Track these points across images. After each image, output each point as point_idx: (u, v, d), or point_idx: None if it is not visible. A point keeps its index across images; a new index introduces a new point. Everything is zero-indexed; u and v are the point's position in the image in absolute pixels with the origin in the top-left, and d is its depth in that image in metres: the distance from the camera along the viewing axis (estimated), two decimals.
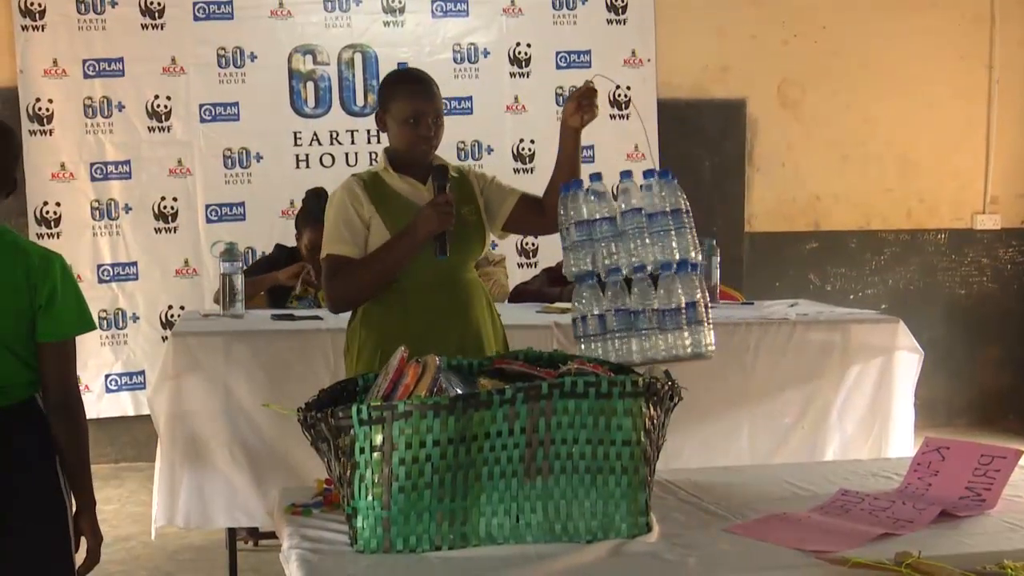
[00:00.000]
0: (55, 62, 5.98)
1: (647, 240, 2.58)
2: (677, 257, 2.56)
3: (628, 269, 2.60)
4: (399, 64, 6.25)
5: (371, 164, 6.21)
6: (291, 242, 5.12)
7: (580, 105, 3.02)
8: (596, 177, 2.66)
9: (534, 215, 3.20)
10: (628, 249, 2.59)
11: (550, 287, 5.06)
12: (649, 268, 2.58)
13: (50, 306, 2.46)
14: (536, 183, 6.27)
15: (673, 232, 2.57)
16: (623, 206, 2.62)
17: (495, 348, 3.11)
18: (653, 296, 2.56)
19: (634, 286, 2.59)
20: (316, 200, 4.76)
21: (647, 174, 2.58)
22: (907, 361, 4.42)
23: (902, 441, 4.39)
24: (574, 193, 2.67)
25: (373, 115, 3.21)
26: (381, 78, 6.07)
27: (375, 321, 3.04)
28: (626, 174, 2.63)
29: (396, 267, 2.98)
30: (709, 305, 2.62)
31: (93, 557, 2.57)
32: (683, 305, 2.56)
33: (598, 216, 2.65)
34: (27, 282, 2.43)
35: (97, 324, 2.70)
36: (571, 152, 3.16)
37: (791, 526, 2.20)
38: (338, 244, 3.01)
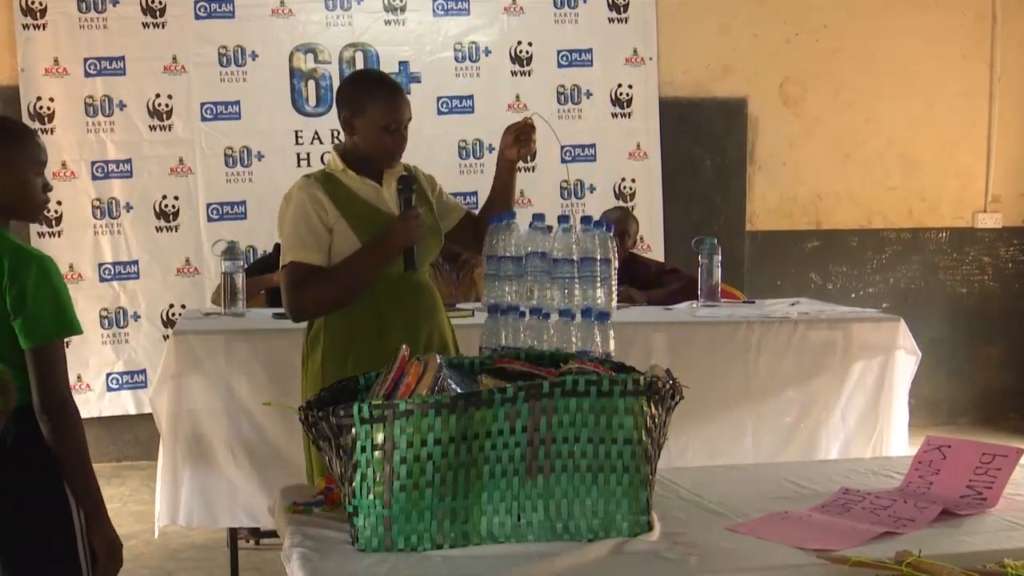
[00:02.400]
0: (56, 61, 5.98)
1: (555, 285, 2.53)
2: (581, 305, 2.51)
3: (528, 310, 2.59)
4: (400, 63, 6.26)
5: None
6: None
7: (518, 139, 3.05)
8: (539, 218, 2.62)
9: (468, 235, 3.24)
10: (537, 290, 2.57)
11: None
12: (552, 314, 2.55)
13: (19, 311, 2.39)
14: (536, 182, 6.38)
15: (577, 281, 2.52)
16: (549, 249, 2.58)
17: (453, 351, 3.09)
18: (544, 340, 2.55)
19: (528, 327, 2.59)
20: None
21: (584, 220, 2.53)
22: (905, 361, 4.44)
23: (899, 440, 4.40)
24: (506, 224, 2.66)
25: (339, 114, 3.06)
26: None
27: (342, 328, 2.97)
28: (563, 219, 2.58)
29: (367, 280, 2.95)
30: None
31: (110, 565, 2.49)
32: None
33: (515, 253, 2.61)
34: (1, 286, 2.39)
35: (82, 327, 2.61)
36: (506, 183, 3.15)
37: (792, 525, 2.20)
38: (302, 251, 2.92)
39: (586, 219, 2.53)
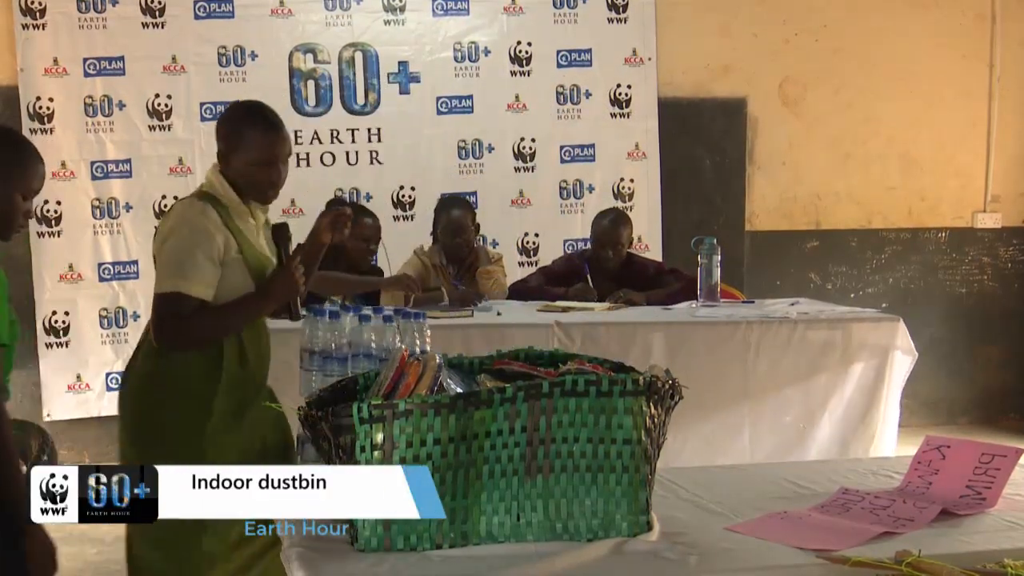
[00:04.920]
0: (56, 61, 5.97)
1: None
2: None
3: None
4: (399, 63, 6.26)
5: (372, 163, 6.26)
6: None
7: (334, 225, 2.99)
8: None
9: None
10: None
11: (551, 286, 5.06)
12: None
13: None
14: (536, 181, 6.39)
15: None
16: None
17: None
18: None
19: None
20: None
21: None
22: (902, 361, 4.45)
23: (890, 440, 4.41)
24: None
25: (219, 142, 2.90)
26: (382, 77, 6.22)
27: (202, 365, 2.81)
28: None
29: (245, 325, 2.86)
30: None
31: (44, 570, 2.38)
32: None
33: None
34: None
35: (9, 337, 2.58)
36: (313, 265, 3.06)
37: (792, 525, 2.21)
38: (192, 282, 2.72)
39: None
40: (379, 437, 2.00)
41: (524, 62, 6.40)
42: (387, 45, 6.27)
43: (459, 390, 2.13)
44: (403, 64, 6.29)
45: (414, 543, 2.04)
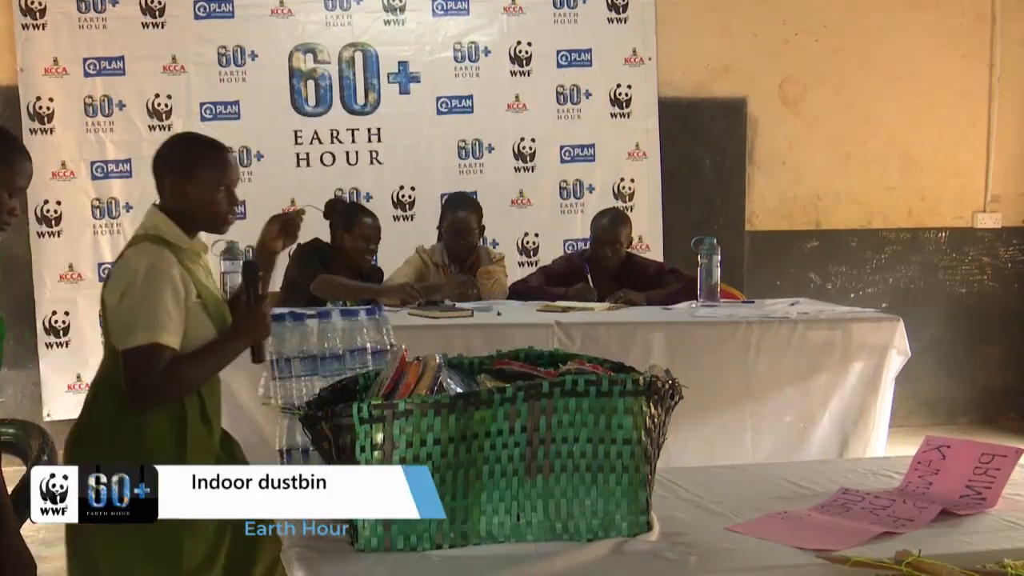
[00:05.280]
0: (55, 61, 5.98)
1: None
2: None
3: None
4: (399, 63, 6.26)
5: (372, 163, 6.26)
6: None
7: (285, 230, 2.89)
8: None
9: None
10: None
11: (551, 286, 5.06)
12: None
13: None
14: (536, 182, 6.39)
15: None
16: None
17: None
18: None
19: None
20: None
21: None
22: (897, 361, 4.46)
23: (882, 439, 4.42)
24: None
25: (163, 178, 2.74)
26: (382, 77, 6.22)
27: (166, 425, 2.62)
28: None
29: (218, 371, 2.72)
30: None
31: None
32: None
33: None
34: None
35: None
36: (267, 274, 2.91)
37: (792, 525, 2.20)
38: (165, 333, 2.54)
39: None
40: (379, 437, 2.00)
41: (524, 62, 6.40)
42: (387, 45, 6.28)
43: (459, 390, 2.13)
44: (403, 64, 6.29)
45: (414, 543, 2.04)
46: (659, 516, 2.20)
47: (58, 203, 6.01)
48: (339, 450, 2.05)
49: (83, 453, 2.62)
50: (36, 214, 5.97)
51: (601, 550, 2.06)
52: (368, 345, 2.90)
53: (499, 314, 4.49)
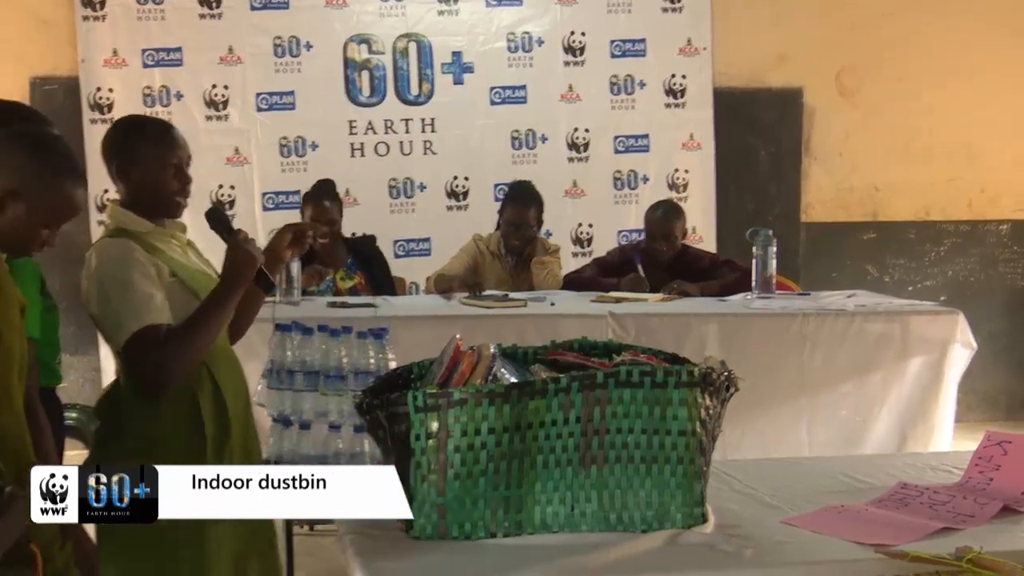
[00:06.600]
0: (115, 52, 6.05)
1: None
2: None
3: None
4: (453, 54, 6.27)
5: (425, 153, 6.28)
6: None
7: (296, 240, 2.85)
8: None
9: None
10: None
11: (604, 277, 5.05)
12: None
13: None
14: (590, 172, 6.38)
15: None
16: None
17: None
18: None
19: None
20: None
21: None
22: (961, 355, 4.39)
23: (946, 434, 4.36)
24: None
25: (110, 167, 2.69)
26: (436, 67, 6.23)
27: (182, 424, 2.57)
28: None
29: (227, 321, 2.65)
30: None
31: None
32: None
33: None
34: None
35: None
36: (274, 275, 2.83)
37: (849, 519, 2.18)
38: (153, 313, 2.48)
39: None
40: (434, 425, 2.01)
41: (578, 52, 6.38)
42: (441, 35, 6.29)
43: (513, 380, 2.13)
44: (457, 54, 6.30)
45: (468, 532, 2.05)
46: (714, 508, 2.18)
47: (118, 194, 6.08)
48: (394, 438, 2.06)
49: (103, 455, 2.57)
50: (97, 203, 6.05)
51: (655, 541, 2.05)
52: (372, 367, 2.87)
53: (553, 304, 4.49)
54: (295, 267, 4.43)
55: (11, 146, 2.18)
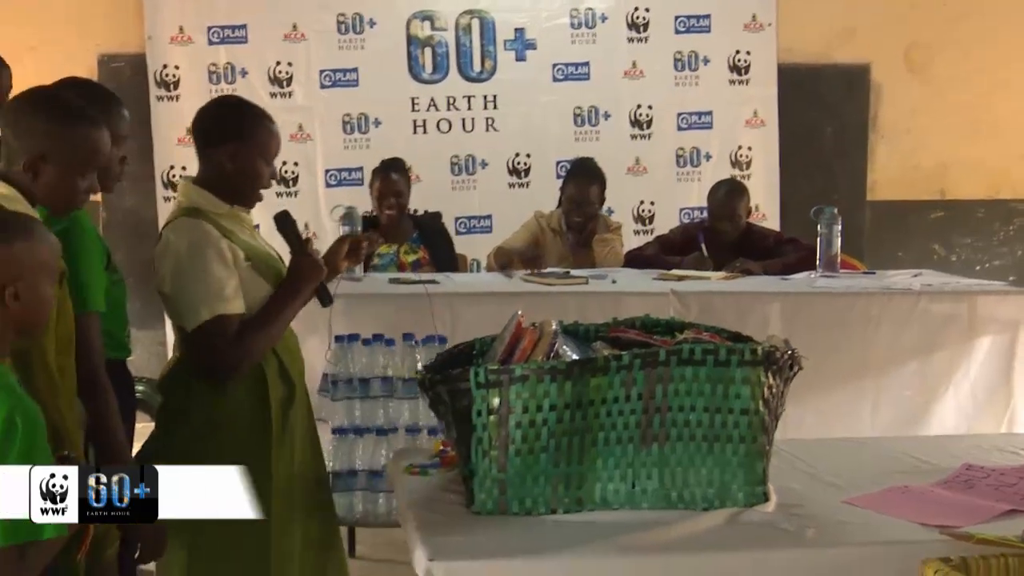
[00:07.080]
0: (181, 29, 6.11)
1: None
2: None
3: None
4: (515, 30, 6.25)
5: (487, 130, 6.28)
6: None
7: (353, 252, 2.85)
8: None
9: None
10: None
11: (666, 255, 5.02)
12: None
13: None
14: (653, 149, 6.34)
15: None
16: None
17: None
18: None
19: None
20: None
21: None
22: None
23: (1017, 417, 4.27)
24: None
25: (207, 142, 2.66)
26: (498, 44, 6.22)
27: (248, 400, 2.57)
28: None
29: (288, 323, 2.66)
30: None
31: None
32: None
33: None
34: None
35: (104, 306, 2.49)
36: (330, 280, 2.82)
37: (913, 500, 2.16)
38: (225, 302, 2.50)
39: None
40: (495, 401, 2.02)
41: (641, 28, 6.33)
42: (504, 12, 6.27)
43: (575, 357, 2.14)
44: (519, 31, 6.28)
45: (529, 507, 2.06)
46: (775, 487, 2.18)
47: (183, 168, 6.14)
48: (456, 414, 2.07)
49: (169, 434, 2.60)
50: (163, 179, 6.13)
51: (716, 519, 2.05)
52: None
53: (614, 282, 4.47)
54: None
55: (21, 115, 2.24)
